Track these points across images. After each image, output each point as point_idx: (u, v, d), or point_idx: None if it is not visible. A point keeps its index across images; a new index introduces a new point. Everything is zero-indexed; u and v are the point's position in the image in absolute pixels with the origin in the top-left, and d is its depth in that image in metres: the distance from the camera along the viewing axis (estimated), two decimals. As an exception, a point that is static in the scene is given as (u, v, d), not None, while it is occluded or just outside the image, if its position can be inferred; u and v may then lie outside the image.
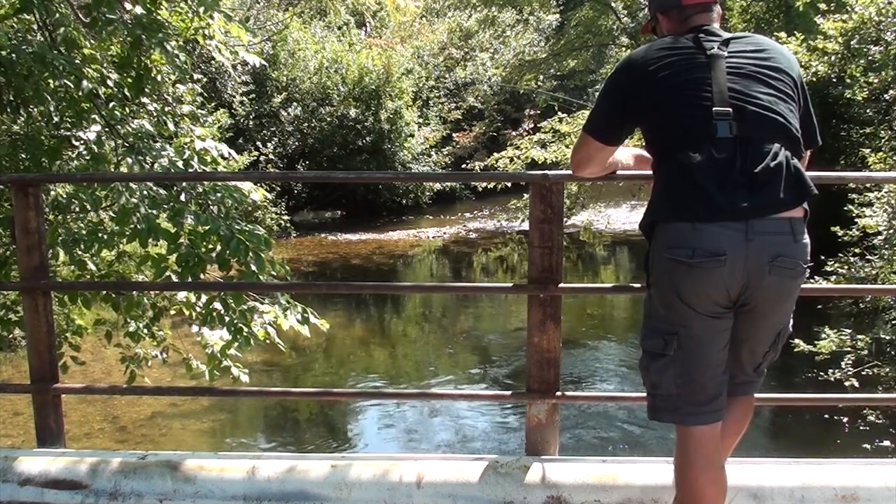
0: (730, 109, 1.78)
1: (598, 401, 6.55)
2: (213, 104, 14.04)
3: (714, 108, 1.79)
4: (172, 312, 4.52)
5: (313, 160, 17.60)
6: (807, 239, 1.82)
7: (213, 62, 13.55)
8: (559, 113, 12.44)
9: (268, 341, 4.09)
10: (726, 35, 1.91)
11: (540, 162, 11.56)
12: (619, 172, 2.24)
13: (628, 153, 2.23)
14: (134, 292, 4.25)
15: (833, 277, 6.86)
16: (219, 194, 4.01)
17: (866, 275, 6.68)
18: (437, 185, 19.25)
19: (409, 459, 2.43)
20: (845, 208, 6.90)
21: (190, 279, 3.76)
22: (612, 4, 17.10)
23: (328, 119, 17.83)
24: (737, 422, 2.05)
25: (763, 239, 1.75)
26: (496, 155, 12.53)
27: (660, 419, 1.92)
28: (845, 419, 6.45)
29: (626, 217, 15.46)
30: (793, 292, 1.86)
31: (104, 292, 4.41)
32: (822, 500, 2.21)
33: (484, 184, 12.32)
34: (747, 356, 1.96)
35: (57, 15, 3.97)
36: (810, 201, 1.82)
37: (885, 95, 8.37)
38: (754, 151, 1.77)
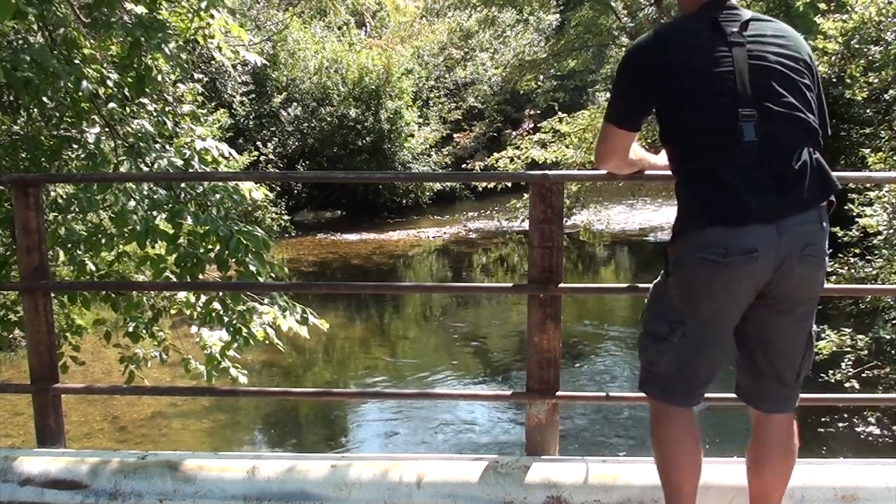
0: (754, 111, 1.76)
1: (598, 401, 6.53)
2: (213, 104, 14.03)
3: (739, 110, 1.76)
4: (173, 312, 4.52)
5: (313, 160, 17.58)
6: (828, 226, 1.85)
7: (213, 62, 13.54)
8: (559, 113, 12.44)
9: (267, 342, 4.09)
10: (746, 14, 1.85)
11: (540, 162, 11.56)
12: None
13: (658, 158, 2.19)
14: (133, 292, 4.25)
15: (833, 277, 6.86)
16: (218, 195, 4.01)
17: (866, 275, 6.68)
18: (437, 185, 19.21)
19: (409, 459, 2.42)
20: (845, 208, 6.89)
21: (189, 279, 3.76)
22: (612, 4, 17.09)
23: (328, 119, 17.81)
24: (778, 452, 1.95)
25: (795, 230, 1.76)
26: (496, 155, 12.53)
27: (647, 392, 1.99)
28: (845, 419, 6.45)
29: (626, 217, 15.47)
30: (817, 282, 1.86)
31: (104, 292, 4.41)
32: (822, 500, 2.21)
33: (484, 184, 12.33)
34: (783, 359, 1.91)
35: (59, 15, 3.96)
36: (835, 195, 1.84)
37: (885, 95, 8.37)
38: (780, 153, 1.77)
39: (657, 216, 16.43)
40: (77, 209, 4.14)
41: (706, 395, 2.03)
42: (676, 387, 1.92)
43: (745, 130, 1.75)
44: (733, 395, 2.07)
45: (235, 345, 3.97)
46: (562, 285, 2.43)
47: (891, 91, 8.15)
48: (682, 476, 1.93)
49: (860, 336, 6.20)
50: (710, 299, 1.82)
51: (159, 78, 4.24)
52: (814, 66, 1.90)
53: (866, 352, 6.19)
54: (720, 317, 1.84)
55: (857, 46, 7.74)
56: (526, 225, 3.20)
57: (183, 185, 4.02)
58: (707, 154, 1.79)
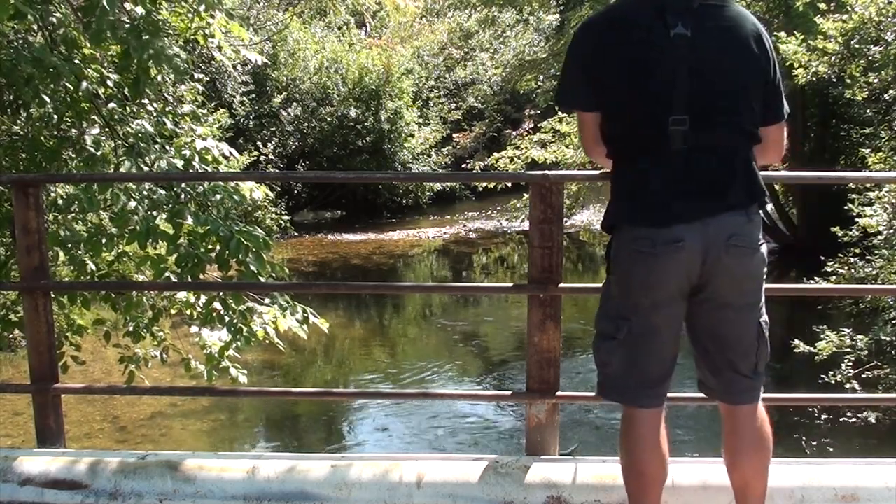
0: (686, 117, 1.76)
1: (598, 401, 6.53)
2: (213, 104, 14.02)
3: (671, 116, 1.77)
4: (173, 312, 4.52)
5: (313, 160, 17.58)
6: (759, 218, 1.87)
7: (213, 62, 13.54)
8: (559, 113, 12.42)
9: (267, 341, 4.09)
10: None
11: (540, 162, 11.56)
12: None
13: None
14: (133, 292, 4.25)
15: (833, 277, 6.86)
16: (218, 195, 4.01)
17: (866, 275, 6.68)
18: (437, 185, 19.18)
19: (409, 459, 2.43)
20: (845, 208, 6.90)
21: (189, 279, 3.76)
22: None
23: (328, 119, 17.81)
24: (750, 442, 1.95)
25: (719, 223, 1.80)
26: (496, 155, 12.53)
27: (606, 397, 2.00)
28: (845, 419, 6.45)
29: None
30: (752, 272, 1.87)
31: (104, 292, 4.41)
32: (822, 500, 2.21)
33: (484, 184, 12.32)
34: (735, 352, 1.92)
35: (58, 15, 3.95)
36: (762, 202, 1.87)
37: (885, 95, 8.37)
38: (708, 162, 1.80)
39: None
40: (77, 209, 4.13)
41: (673, 395, 2.04)
42: (629, 387, 1.93)
43: (675, 138, 1.77)
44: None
45: (236, 344, 3.97)
46: (562, 285, 2.43)
47: (891, 91, 8.15)
48: (645, 480, 1.93)
49: (860, 336, 6.20)
50: (646, 294, 1.85)
51: (158, 78, 4.23)
52: (766, 48, 1.83)
53: (866, 352, 6.19)
54: (659, 311, 1.86)
55: (857, 46, 7.73)
56: (526, 225, 3.20)
57: (183, 185, 4.01)
58: (637, 157, 1.84)
